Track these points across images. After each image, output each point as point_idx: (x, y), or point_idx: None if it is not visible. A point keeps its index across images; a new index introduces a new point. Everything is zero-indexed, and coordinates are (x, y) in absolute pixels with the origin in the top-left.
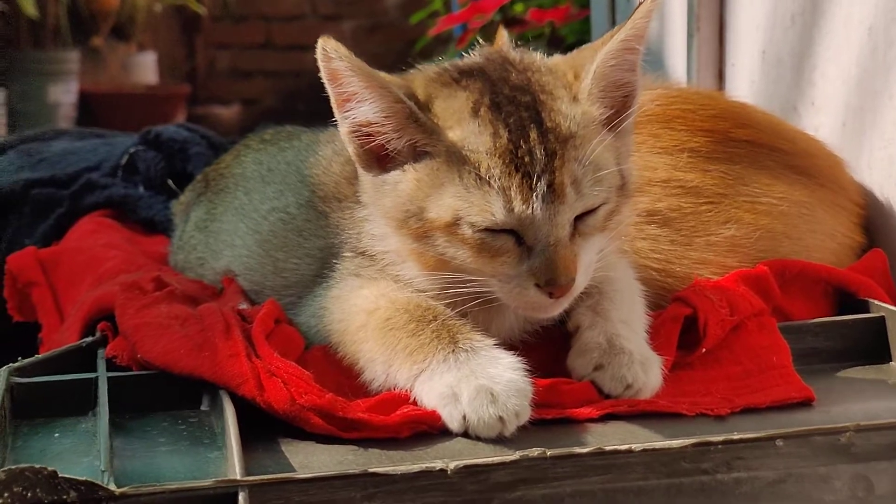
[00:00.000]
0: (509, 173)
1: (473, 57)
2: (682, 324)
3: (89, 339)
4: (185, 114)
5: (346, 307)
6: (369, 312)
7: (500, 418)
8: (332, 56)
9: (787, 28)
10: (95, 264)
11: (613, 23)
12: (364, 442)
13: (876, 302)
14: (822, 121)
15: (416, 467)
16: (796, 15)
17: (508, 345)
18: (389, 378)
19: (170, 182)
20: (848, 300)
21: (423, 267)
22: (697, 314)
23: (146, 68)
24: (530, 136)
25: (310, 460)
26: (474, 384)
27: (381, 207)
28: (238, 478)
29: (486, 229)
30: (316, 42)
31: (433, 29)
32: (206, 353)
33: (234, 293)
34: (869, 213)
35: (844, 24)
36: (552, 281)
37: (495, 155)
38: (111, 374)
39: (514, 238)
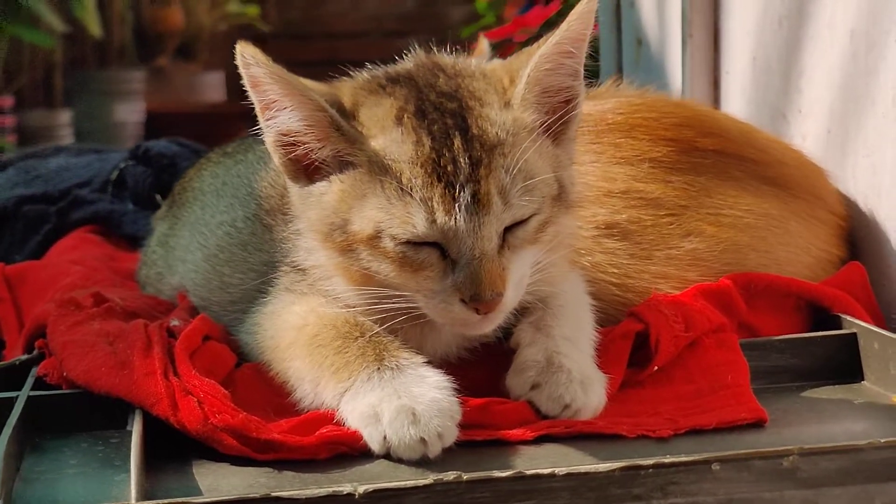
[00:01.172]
0: (431, 183)
1: (405, 63)
2: (633, 340)
3: (24, 356)
4: None
5: (277, 323)
6: (298, 329)
7: (422, 440)
8: (250, 62)
9: (775, 32)
10: (56, 281)
11: (619, 29)
12: (280, 464)
13: (848, 318)
14: (808, 129)
15: (322, 491)
16: (783, 18)
17: (445, 363)
18: (317, 397)
19: (158, 197)
20: (823, 316)
21: (349, 282)
22: (649, 330)
23: (214, 87)
24: (454, 144)
25: (219, 483)
26: (396, 404)
27: (307, 220)
28: (132, 501)
29: (408, 242)
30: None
31: (475, 44)
32: (126, 371)
33: (181, 310)
34: (852, 224)
35: (829, 26)
36: (477, 296)
37: (417, 164)
38: (34, 392)
39: (438, 251)
